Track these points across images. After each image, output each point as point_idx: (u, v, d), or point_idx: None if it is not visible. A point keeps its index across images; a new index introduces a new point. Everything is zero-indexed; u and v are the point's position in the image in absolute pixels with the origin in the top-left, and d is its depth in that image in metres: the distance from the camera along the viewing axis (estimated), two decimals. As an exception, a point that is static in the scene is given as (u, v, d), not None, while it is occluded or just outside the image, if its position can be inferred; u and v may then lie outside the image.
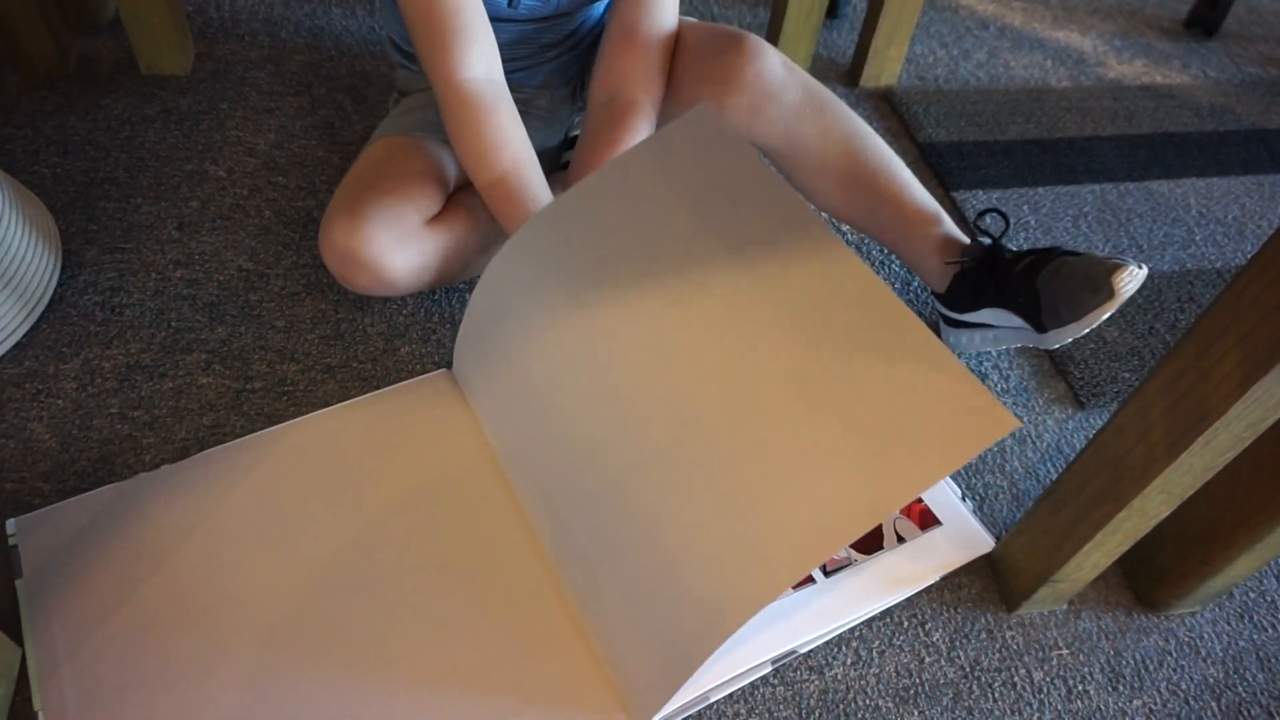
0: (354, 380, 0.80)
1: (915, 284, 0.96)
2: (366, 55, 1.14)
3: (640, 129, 0.82)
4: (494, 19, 0.82)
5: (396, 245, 0.77)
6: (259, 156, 0.99)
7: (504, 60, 0.86)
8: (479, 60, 0.74)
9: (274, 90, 1.07)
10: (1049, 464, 0.83)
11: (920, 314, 0.93)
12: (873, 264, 0.98)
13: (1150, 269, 1.03)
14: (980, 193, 1.08)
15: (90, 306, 0.83)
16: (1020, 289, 0.79)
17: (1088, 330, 0.77)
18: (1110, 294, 0.74)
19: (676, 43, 0.84)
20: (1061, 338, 0.78)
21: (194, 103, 1.04)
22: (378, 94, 1.08)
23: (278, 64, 1.11)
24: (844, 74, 1.24)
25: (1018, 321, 0.80)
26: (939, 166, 1.11)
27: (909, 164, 1.10)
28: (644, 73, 0.82)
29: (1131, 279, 0.74)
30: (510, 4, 0.80)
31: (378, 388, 0.80)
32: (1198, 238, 1.08)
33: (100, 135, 0.99)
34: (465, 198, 0.84)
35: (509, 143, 0.75)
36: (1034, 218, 1.06)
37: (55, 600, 0.63)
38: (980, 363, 0.90)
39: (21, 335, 0.80)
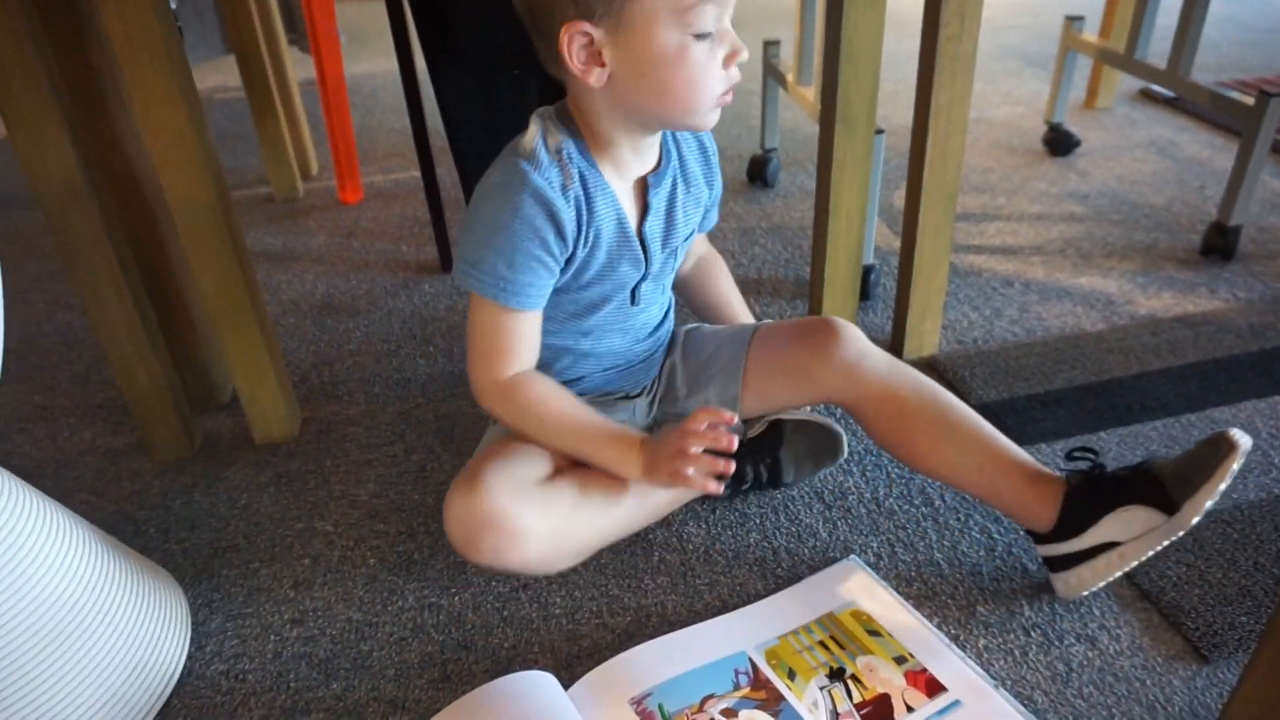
0: (464, 724, 0.82)
1: (1000, 549, 0.97)
2: (449, 398, 1.26)
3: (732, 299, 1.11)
4: (621, 326, 0.96)
5: (515, 495, 0.83)
6: (361, 507, 1.08)
7: (622, 382, 1.01)
8: (516, 368, 0.89)
9: (371, 443, 1.18)
10: (1187, 731, 0.79)
11: (1026, 573, 0.93)
12: (954, 531, 1.00)
13: (1237, 500, 1.02)
14: (1044, 445, 1.11)
15: (216, 677, 0.88)
16: (1138, 479, 0.84)
17: (1221, 490, 0.79)
18: (1231, 446, 0.78)
19: (776, 330, 1.01)
20: (1196, 507, 0.80)
21: (302, 464, 1.15)
22: (463, 433, 1.19)
23: (373, 418, 1.23)
24: (886, 349, 1.31)
25: (1144, 515, 0.83)
26: (998, 425, 1.14)
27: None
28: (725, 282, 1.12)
29: (1240, 435, 0.79)
30: (634, 302, 0.94)
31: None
32: (1276, 460, 1.07)
33: (221, 506, 1.09)
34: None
35: (563, 401, 0.89)
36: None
37: None
38: (1086, 624, 0.88)
39: (153, 717, 0.84)
